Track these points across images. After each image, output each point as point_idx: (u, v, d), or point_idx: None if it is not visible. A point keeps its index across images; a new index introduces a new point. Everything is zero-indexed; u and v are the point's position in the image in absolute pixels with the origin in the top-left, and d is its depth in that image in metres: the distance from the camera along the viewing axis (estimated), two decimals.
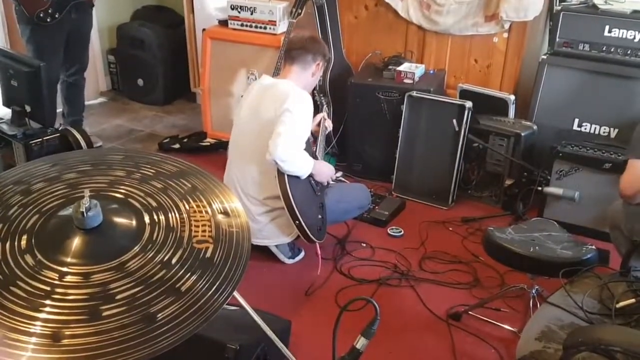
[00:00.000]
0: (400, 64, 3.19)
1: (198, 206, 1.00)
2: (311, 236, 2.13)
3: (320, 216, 2.17)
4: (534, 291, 2.01)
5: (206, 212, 0.99)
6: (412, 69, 3.10)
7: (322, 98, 2.91)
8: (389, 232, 2.71)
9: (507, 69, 3.06)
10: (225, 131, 3.26)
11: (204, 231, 0.95)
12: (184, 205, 1.00)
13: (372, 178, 3.19)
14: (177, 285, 0.84)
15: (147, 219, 0.95)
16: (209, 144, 3.44)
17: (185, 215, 0.97)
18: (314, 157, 2.18)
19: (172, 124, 3.79)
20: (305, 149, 2.08)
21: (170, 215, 0.97)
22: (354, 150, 3.21)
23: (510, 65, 3.05)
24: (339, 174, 3.17)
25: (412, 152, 3.05)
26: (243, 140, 2.18)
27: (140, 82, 4.03)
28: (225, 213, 1.00)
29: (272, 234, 2.15)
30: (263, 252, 2.26)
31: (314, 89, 2.80)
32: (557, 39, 2.76)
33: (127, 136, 3.60)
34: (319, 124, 2.46)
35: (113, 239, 0.90)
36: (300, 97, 2.10)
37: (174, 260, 0.89)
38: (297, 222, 2.06)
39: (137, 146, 3.39)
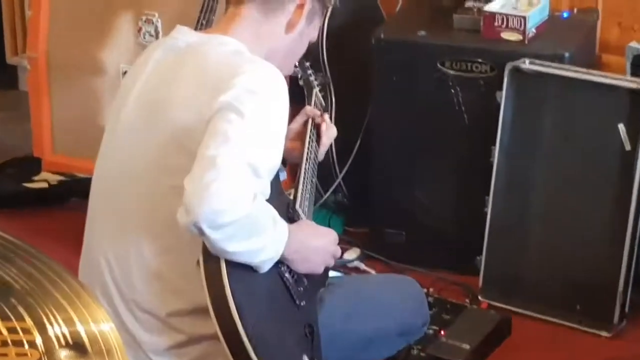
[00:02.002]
0: None
1: (14, 331, 1.06)
2: None
3: (307, 359, 2.07)
4: None
5: (31, 345, 1.05)
6: (520, 8, 3.05)
7: (313, 76, 2.64)
8: None
9: None
10: (83, 155, 3.24)
11: None
12: None
13: (431, 264, 3.18)
14: None
15: None
16: (46, 185, 3.52)
17: None
18: (289, 213, 2.12)
19: None
20: (270, 198, 1.89)
21: None
22: (386, 197, 3.23)
23: None
24: (352, 254, 3.21)
25: (522, 203, 3.02)
26: (124, 177, 2.03)
27: None
28: (77, 348, 1.04)
29: None
30: None
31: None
32: None
33: None
34: (302, 134, 2.36)
35: None
36: (259, 76, 1.94)
37: None
38: None
39: None
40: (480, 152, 3.05)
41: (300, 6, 2.12)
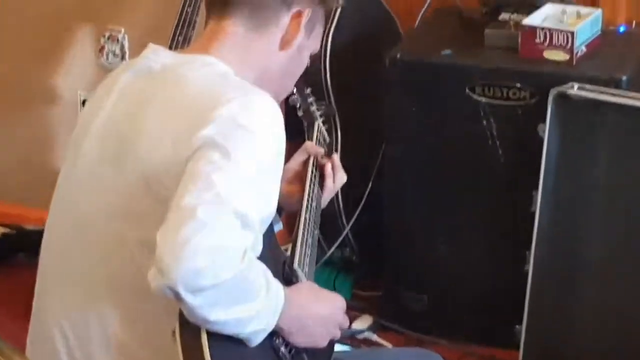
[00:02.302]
0: (533, 7, 3.07)
1: None
2: None
3: None
4: None
5: None
6: (567, 22, 2.99)
7: (315, 105, 2.67)
8: None
9: None
10: (32, 203, 3.30)
11: None
12: None
13: (459, 335, 3.15)
14: None
15: None
16: None
17: None
18: (286, 272, 2.14)
19: None
20: (262, 254, 1.91)
21: None
22: (403, 253, 3.20)
23: None
24: (362, 322, 3.21)
25: (571, 260, 2.97)
26: (83, 228, 2.03)
27: None
28: None
29: None
30: None
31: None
32: None
33: None
34: (301, 176, 2.38)
35: None
36: (249, 105, 1.95)
37: None
38: None
39: None
40: (518, 198, 2.99)
41: (297, 16, 2.07)
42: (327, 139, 2.59)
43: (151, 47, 2.12)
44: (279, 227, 2.31)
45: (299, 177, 2.35)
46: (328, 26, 3.12)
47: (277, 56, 2.10)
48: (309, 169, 2.34)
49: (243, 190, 1.84)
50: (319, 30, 2.18)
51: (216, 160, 1.83)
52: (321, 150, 2.42)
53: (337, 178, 2.39)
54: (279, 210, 2.15)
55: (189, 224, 1.75)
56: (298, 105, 2.57)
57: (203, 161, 1.84)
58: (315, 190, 2.34)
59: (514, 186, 3.00)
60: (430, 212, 3.13)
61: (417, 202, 3.14)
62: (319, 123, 2.57)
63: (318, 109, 2.59)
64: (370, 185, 3.26)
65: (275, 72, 2.13)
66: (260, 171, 1.88)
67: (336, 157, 2.45)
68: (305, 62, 2.19)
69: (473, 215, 3.09)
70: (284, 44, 2.08)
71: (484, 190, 3.06)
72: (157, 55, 2.08)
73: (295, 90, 2.54)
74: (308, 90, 2.58)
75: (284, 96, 2.20)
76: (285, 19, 2.07)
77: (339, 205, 3.18)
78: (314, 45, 2.18)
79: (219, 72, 2.00)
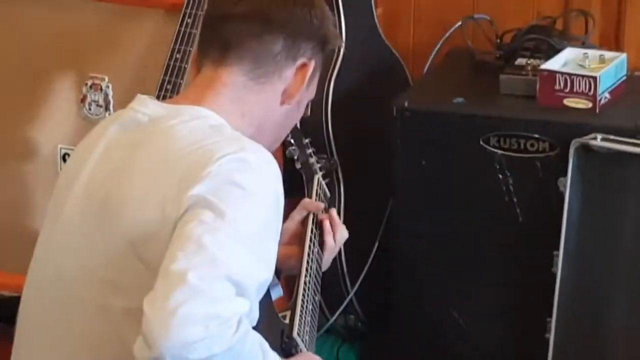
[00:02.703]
0: (552, 50, 3.01)
1: None
2: None
3: None
4: None
5: None
6: (589, 66, 2.94)
7: (314, 157, 2.65)
8: None
9: None
10: (8, 268, 3.30)
11: None
12: None
13: None
14: None
15: None
16: None
17: None
18: (284, 342, 2.10)
19: None
20: (258, 323, 1.87)
21: None
22: (413, 320, 3.09)
23: None
24: None
25: (595, 328, 2.91)
26: (63, 295, 1.97)
27: None
28: None
29: None
30: None
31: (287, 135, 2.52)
32: None
33: None
34: (300, 236, 2.37)
35: None
36: (245, 161, 1.91)
37: None
38: None
39: None
40: (538, 259, 2.89)
41: (303, 67, 2.06)
42: (328, 194, 2.56)
43: (139, 97, 2.06)
44: (278, 292, 2.28)
45: (298, 237, 2.32)
46: (329, 72, 3.08)
47: (277, 110, 2.08)
48: (308, 228, 2.31)
49: (238, 253, 1.77)
50: (317, 76, 2.15)
51: (209, 221, 1.77)
52: (321, 207, 2.38)
53: (337, 235, 2.36)
54: (277, 273, 2.16)
55: (178, 290, 1.68)
56: (296, 157, 2.52)
57: (194, 222, 1.77)
58: (316, 251, 2.30)
59: (532, 246, 2.88)
60: (442, 274, 3.01)
61: (429, 263, 3.01)
62: (318, 177, 2.53)
63: (318, 162, 2.56)
64: (376, 245, 3.19)
65: (272, 125, 2.10)
66: (257, 232, 1.84)
67: (334, 211, 2.41)
68: (302, 112, 2.17)
69: (489, 277, 2.97)
70: (287, 97, 2.05)
71: (501, 251, 2.94)
72: (145, 107, 2.02)
73: (293, 141, 2.51)
74: (307, 141, 2.53)
75: (276, 146, 2.17)
76: (290, 71, 2.04)
77: (342, 266, 3.08)
78: (311, 94, 2.16)
79: (212, 125, 1.95)
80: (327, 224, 2.35)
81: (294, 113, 2.14)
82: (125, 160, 1.96)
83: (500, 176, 2.83)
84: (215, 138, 1.93)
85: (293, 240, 2.31)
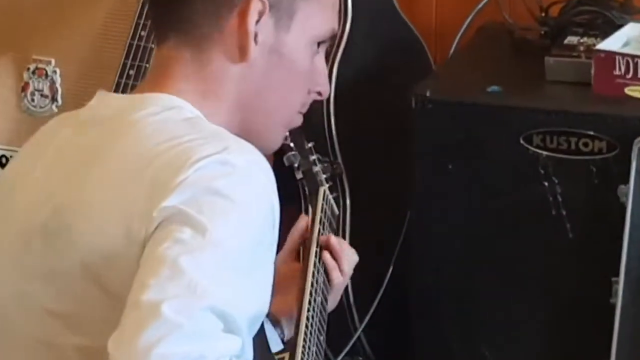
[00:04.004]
0: (611, 26, 2.82)
1: None
2: None
3: None
4: None
5: None
6: None
7: (319, 165, 2.42)
8: None
9: None
10: None
11: None
12: None
13: None
14: None
15: None
16: None
17: None
18: None
19: None
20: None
21: None
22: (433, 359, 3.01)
23: None
24: None
25: None
26: (2, 331, 1.86)
27: None
28: None
29: None
30: None
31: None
32: None
33: None
34: (298, 254, 2.27)
35: None
36: (226, 163, 1.77)
37: None
38: None
39: None
40: (592, 286, 2.63)
41: (244, 10, 1.83)
42: (337, 212, 2.34)
43: (99, 93, 1.90)
44: (273, 332, 2.11)
45: (295, 270, 2.15)
46: (332, 54, 2.86)
47: (243, 76, 1.84)
48: (312, 253, 2.11)
49: (225, 278, 1.62)
50: (307, 11, 1.85)
51: (186, 239, 1.61)
52: (316, 228, 2.17)
53: (344, 265, 2.14)
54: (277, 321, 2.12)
55: (151, 325, 1.54)
56: (297, 165, 2.30)
57: (168, 241, 1.60)
58: (321, 280, 2.11)
59: (585, 270, 2.60)
60: (471, 305, 2.73)
61: (455, 292, 2.72)
62: (325, 189, 2.31)
63: (324, 170, 2.35)
64: (390, 270, 2.94)
65: (255, 100, 1.87)
66: (248, 252, 1.65)
67: (333, 239, 2.16)
68: (304, 67, 1.88)
69: (529, 309, 2.67)
70: (241, 53, 1.82)
71: (545, 276, 2.66)
72: (105, 103, 1.88)
73: (292, 144, 2.28)
74: (309, 145, 2.31)
75: (276, 141, 1.94)
76: (231, 22, 1.82)
77: (348, 297, 2.86)
78: (309, 34, 1.87)
79: (187, 118, 1.79)
80: (328, 260, 2.13)
81: (285, 69, 1.88)
82: (81, 167, 1.77)
83: (546, 183, 2.56)
84: (191, 135, 1.74)
85: (290, 272, 2.12)
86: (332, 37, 2.03)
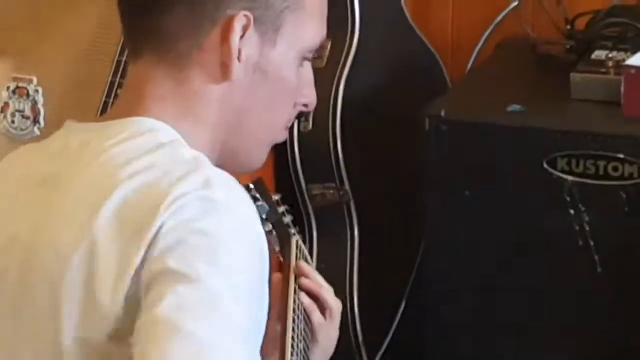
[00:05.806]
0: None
1: None
2: None
3: None
4: None
5: None
6: None
7: (288, 215, 2.26)
8: None
9: None
10: None
11: None
12: None
13: None
14: None
15: None
16: None
17: None
18: None
19: None
20: None
21: None
22: None
23: None
24: None
25: None
26: None
27: None
28: None
29: None
30: None
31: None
32: None
33: None
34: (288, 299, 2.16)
35: None
36: (209, 200, 1.71)
37: None
38: None
39: None
40: (624, 325, 2.53)
41: (227, 25, 1.77)
42: (310, 262, 2.18)
43: (66, 124, 1.78)
44: None
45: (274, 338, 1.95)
46: (338, 71, 2.77)
47: (225, 93, 1.73)
48: (290, 297, 1.96)
49: (210, 333, 1.47)
50: (293, 23, 1.76)
51: (180, 291, 1.49)
52: (307, 272, 2.01)
53: (327, 301, 1.98)
54: None
55: None
56: (264, 217, 2.12)
57: (164, 300, 1.48)
58: (302, 327, 1.96)
59: (616, 306, 2.50)
60: (491, 343, 2.60)
61: (474, 329, 2.60)
62: (297, 240, 2.12)
63: (289, 226, 2.20)
64: (402, 305, 2.86)
65: (239, 116, 1.78)
66: (248, 295, 1.53)
67: (310, 273, 2.02)
68: (291, 79, 1.79)
69: (555, 348, 2.55)
70: (224, 71, 1.73)
71: (571, 312, 2.55)
72: (73, 132, 1.74)
73: (257, 194, 2.09)
74: (276, 198, 2.17)
75: (263, 153, 1.84)
76: (212, 37, 1.73)
77: (356, 336, 2.74)
78: (297, 47, 1.78)
79: (158, 143, 1.68)
80: (304, 300, 1.98)
81: (270, 87, 1.77)
82: (49, 205, 1.64)
83: (572, 211, 2.46)
84: (167, 166, 1.64)
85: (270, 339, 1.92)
86: (320, 47, 1.92)
